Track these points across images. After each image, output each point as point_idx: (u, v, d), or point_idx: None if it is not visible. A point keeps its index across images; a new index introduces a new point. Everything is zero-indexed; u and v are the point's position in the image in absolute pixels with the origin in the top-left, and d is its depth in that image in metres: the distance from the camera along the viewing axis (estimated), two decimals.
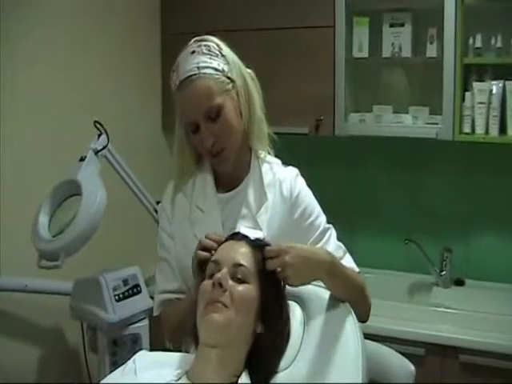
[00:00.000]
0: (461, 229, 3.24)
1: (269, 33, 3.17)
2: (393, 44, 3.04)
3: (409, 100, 3.15)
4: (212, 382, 1.54)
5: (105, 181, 2.38)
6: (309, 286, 1.80)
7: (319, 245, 1.89)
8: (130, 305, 2.44)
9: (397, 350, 2.07)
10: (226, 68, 1.84)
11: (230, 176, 1.96)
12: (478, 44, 2.89)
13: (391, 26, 3.04)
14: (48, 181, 2.38)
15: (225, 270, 1.60)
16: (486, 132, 2.87)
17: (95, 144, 2.44)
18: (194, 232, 1.91)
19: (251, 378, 1.59)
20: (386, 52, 3.05)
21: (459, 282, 3.20)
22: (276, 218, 1.87)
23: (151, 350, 2.13)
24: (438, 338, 2.67)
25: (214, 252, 1.69)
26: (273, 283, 1.67)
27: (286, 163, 2.02)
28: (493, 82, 2.87)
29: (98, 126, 2.46)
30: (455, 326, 2.70)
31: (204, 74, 1.80)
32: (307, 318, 1.75)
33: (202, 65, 1.80)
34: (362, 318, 1.84)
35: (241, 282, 1.60)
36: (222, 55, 1.85)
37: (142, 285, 2.51)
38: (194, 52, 1.83)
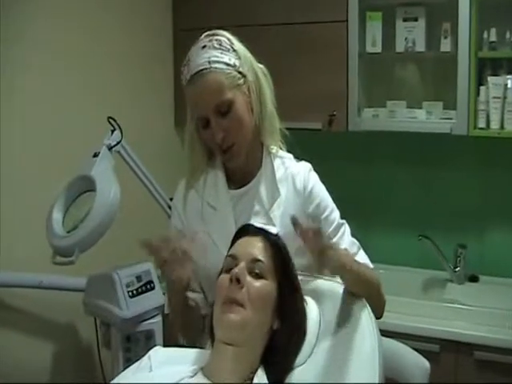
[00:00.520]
0: (475, 225, 3.22)
1: (281, 28, 3.16)
2: (406, 39, 3.01)
3: (423, 95, 3.13)
4: (228, 378, 1.55)
5: (118, 177, 2.38)
6: (325, 282, 1.81)
7: (333, 240, 1.87)
8: (144, 301, 2.43)
9: (411, 347, 2.08)
10: (237, 63, 1.83)
11: (242, 172, 1.95)
12: (493, 38, 2.86)
13: (405, 20, 3.01)
14: (62, 177, 2.38)
15: (242, 265, 1.60)
16: (501, 127, 2.84)
17: (109, 140, 2.42)
18: (207, 230, 1.90)
19: (267, 375, 1.60)
20: (400, 47, 3.03)
21: (473, 278, 3.17)
22: (289, 214, 1.87)
23: (164, 346, 2.13)
24: (453, 334, 2.66)
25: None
26: (290, 279, 1.66)
27: (298, 158, 2.01)
28: (508, 77, 2.84)
29: (112, 121, 2.45)
30: (470, 323, 2.69)
31: (215, 68, 1.79)
32: (323, 314, 1.76)
33: (213, 59, 1.80)
34: (377, 314, 1.83)
35: (258, 277, 1.60)
36: (234, 50, 1.84)
37: (156, 281, 2.50)
38: (205, 47, 1.82)
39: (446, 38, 2.95)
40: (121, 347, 2.41)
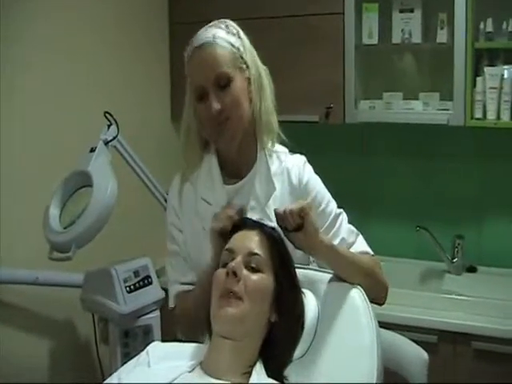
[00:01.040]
0: (473, 215, 3.23)
1: (278, 21, 3.15)
2: (403, 30, 3.01)
3: (419, 86, 3.13)
4: (226, 372, 1.54)
5: (115, 171, 2.37)
6: (322, 274, 1.81)
7: (332, 231, 1.89)
8: (142, 296, 2.43)
9: (409, 338, 2.08)
10: (241, 48, 1.86)
11: (236, 166, 1.95)
12: (489, 28, 2.86)
13: (401, 11, 3.01)
14: (58, 172, 2.37)
15: (239, 259, 1.59)
16: (498, 117, 2.85)
17: (105, 135, 2.42)
18: (203, 225, 1.90)
19: (266, 368, 1.59)
20: (396, 38, 3.02)
21: (471, 269, 3.18)
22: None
23: (163, 340, 2.13)
24: (451, 325, 2.67)
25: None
26: (287, 272, 1.66)
27: (295, 151, 2.01)
28: (504, 67, 2.85)
29: (108, 116, 2.44)
30: (467, 313, 2.69)
31: (220, 43, 1.83)
32: (321, 306, 1.76)
33: (218, 35, 1.84)
34: (379, 300, 1.86)
35: (255, 270, 1.60)
36: (239, 37, 1.88)
37: (153, 276, 2.51)
38: (212, 26, 1.87)
39: (442, 28, 2.95)
40: (119, 342, 2.42)
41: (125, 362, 1.71)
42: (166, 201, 2.55)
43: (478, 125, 2.89)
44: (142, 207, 2.94)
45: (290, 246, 1.72)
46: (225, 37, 1.84)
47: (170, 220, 2.01)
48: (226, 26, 1.87)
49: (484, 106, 2.87)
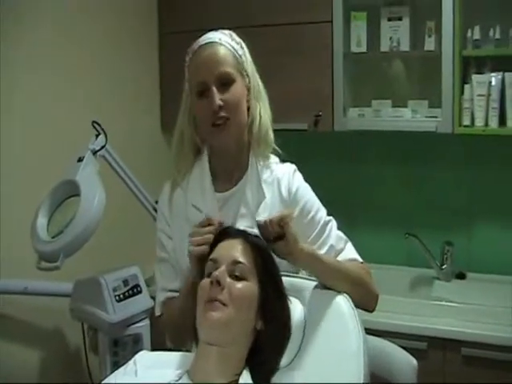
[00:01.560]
0: (462, 222, 3.23)
1: (266, 29, 3.15)
2: (391, 38, 3.02)
3: (408, 94, 3.14)
4: (213, 380, 1.54)
5: (104, 181, 2.38)
6: (309, 281, 1.81)
7: (321, 239, 1.89)
8: (131, 305, 2.43)
9: (399, 345, 2.07)
10: (243, 58, 1.90)
11: (228, 174, 1.96)
12: (477, 36, 2.87)
13: (389, 20, 3.02)
14: (46, 182, 2.37)
15: (223, 268, 1.60)
16: (486, 124, 2.86)
17: (93, 144, 2.43)
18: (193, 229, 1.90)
19: (252, 376, 1.60)
20: (385, 46, 3.03)
21: (460, 276, 3.18)
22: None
23: (152, 349, 2.13)
24: (440, 331, 2.67)
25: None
26: (272, 279, 1.67)
27: (284, 160, 2.02)
28: (492, 74, 2.86)
29: (96, 126, 2.45)
30: (457, 320, 2.69)
31: (225, 45, 1.87)
32: (308, 314, 1.77)
33: (223, 39, 1.88)
34: (368, 307, 1.87)
35: (239, 279, 1.60)
36: (242, 47, 1.92)
37: (143, 285, 2.50)
38: (217, 31, 1.91)
39: (430, 36, 2.96)
40: (108, 351, 2.41)
41: (114, 371, 1.71)
42: (155, 210, 2.56)
43: (467, 132, 2.90)
44: (131, 216, 2.93)
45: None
46: (230, 42, 1.88)
47: (160, 227, 2.01)
48: (230, 34, 1.91)
49: (472, 113, 2.88)
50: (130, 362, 1.67)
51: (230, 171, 1.96)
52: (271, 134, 1.97)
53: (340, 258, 1.89)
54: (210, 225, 1.74)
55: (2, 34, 2.46)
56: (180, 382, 1.57)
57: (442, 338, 2.66)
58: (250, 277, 1.61)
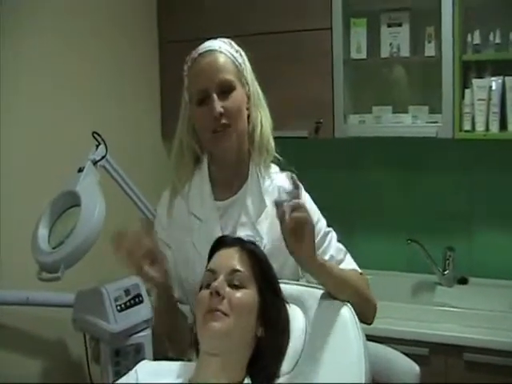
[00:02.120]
0: (463, 227, 3.23)
1: (266, 37, 3.16)
2: (391, 44, 3.03)
3: (408, 100, 3.15)
4: None
5: (105, 191, 2.38)
6: (310, 289, 1.81)
7: (321, 248, 1.89)
8: (132, 315, 2.42)
9: (401, 351, 2.08)
10: (243, 65, 1.91)
11: (228, 183, 1.96)
12: (477, 40, 2.88)
13: (389, 26, 3.03)
14: (47, 192, 2.37)
15: (221, 278, 1.60)
16: (487, 129, 2.86)
17: (93, 154, 2.43)
18: (193, 241, 1.90)
19: (253, 383, 1.59)
20: (385, 52, 3.04)
21: (462, 281, 3.18)
22: (276, 225, 1.82)
23: (154, 359, 2.13)
24: (442, 337, 2.67)
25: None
26: (270, 285, 1.67)
27: (284, 168, 2.01)
28: (492, 79, 2.86)
29: (96, 136, 2.45)
30: (459, 325, 2.70)
31: (225, 53, 1.88)
32: (309, 321, 1.77)
33: (223, 47, 1.89)
34: (367, 319, 1.85)
35: (238, 287, 1.61)
36: (241, 55, 1.93)
37: (144, 294, 2.49)
38: (216, 39, 1.92)
39: (430, 42, 2.97)
40: (110, 361, 2.40)
41: (115, 381, 1.71)
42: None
43: (467, 137, 2.90)
44: (132, 226, 2.92)
45: (278, 263, 1.73)
46: (229, 50, 1.89)
47: (158, 235, 2.00)
48: (230, 43, 1.93)
49: (473, 118, 2.88)
50: (132, 372, 1.68)
51: (229, 180, 1.96)
52: (272, 143, 1.97)
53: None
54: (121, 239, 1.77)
55: (2, 42, 2.46)
56: None
57: (444, 344, 2.66)
58: (249, 284, 1.62)
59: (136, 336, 2.43)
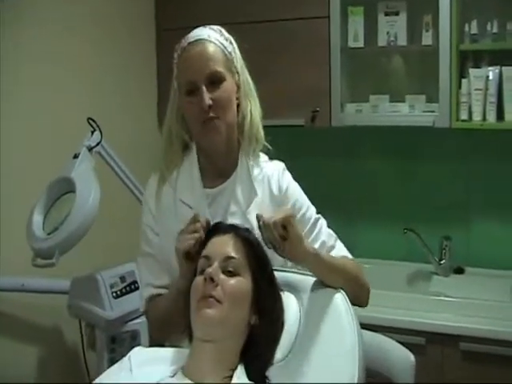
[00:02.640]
0: (460, 217, 3.22)
1: (263, 25, 3.16)
2: (388, 33, 3.01)
3: (405, 89, 3.13)
4: (208, 376, 1.54)
5: (99, 178, 2.37)
6: (304, 277, 1.81)
7: (312, 236, 1.88)
8: (128, 301, 2.43)
9: (397, 340, 2.07)
10: (233, 54, 1.88)
11: (217, 171, 1.95)
12: (474, 30, 2.87)
13: (386, 14, 3.02)
14: (42, 179, 2.37)
15: (216, 265, 1.60)
16: (484, 118, 2.85)
17: (88, 141, 2.43)
18: (182, 228, 1.89)
19: (247, 371, 1.60)
20: (382, 41, 3.03)
21: (459, 270, 3.18)
22: (266, 214, 1.82)
23: (150, 345, 2.12)
24: (439, 326, 2.66)
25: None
26: (264, 272, 1.67)
27: (272, 157, 2.01)
28: (489, 68, 2.85)
29: (91, 122, 2.45)
30: (455, 315, 2.69)
31: (214, 42, 1.85)
32: (303, 309, 1.76)
33: (213, 36, 1.86)
34: (361, 303, 1.85)
35: (232, 274, 1.60)
36: (231, 43, 1.90)
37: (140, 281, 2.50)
38: (206, 27, 1.89)
39: (427, 31, 2.96)
40: (106, 348, 2.41)
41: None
42: None
43: (464, 126, 2.89)
44: (127, 212, 2.91)
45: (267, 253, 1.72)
46: (219, 39, 1.86)
47: (146, 221, 1.98)
48: (220, 31, 1.89)
49: (470, 108, 2.88)
50: (125, 359, 1.67)
51: (218, 168, 1.95)
52: (262, 132, 1.96)
53: (332, 254, 1.88)
54: (197, 221, 1.73)
55: (2, 29, 2.46)
56: (174, 378, 1.57)
57: (440, 333, 2.66)
58: (243, 271, 1.62)
59: (132, 323, 2.45)
